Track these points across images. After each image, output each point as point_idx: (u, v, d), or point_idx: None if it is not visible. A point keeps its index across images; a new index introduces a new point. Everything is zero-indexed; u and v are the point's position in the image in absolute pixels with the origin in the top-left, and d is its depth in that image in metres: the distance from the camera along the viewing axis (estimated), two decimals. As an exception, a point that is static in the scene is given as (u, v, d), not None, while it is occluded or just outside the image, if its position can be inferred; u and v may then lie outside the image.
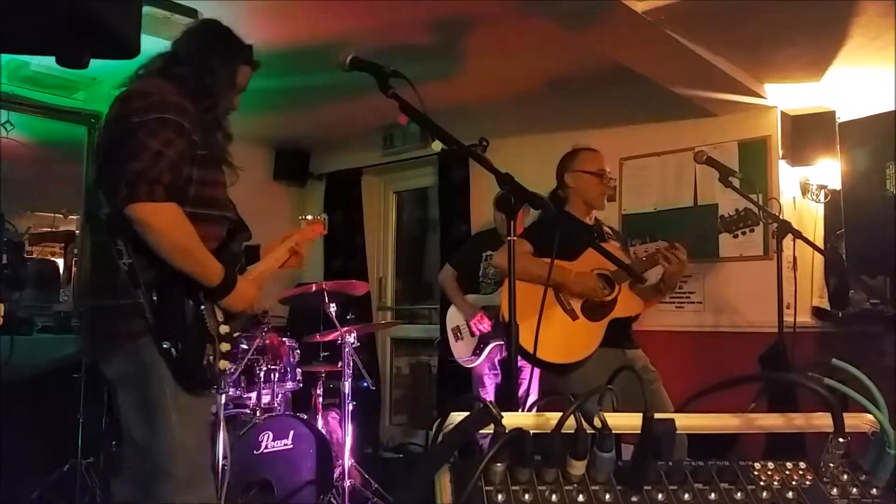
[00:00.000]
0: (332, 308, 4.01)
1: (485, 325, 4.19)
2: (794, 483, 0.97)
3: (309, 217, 2.66)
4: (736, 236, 3.11)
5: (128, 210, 1.84)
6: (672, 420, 0.98)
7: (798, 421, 1.05)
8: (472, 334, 4.26)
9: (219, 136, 2.13)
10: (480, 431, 0.94)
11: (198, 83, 2.08)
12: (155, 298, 1.91)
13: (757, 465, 0.99)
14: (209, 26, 2.28)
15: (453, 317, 4.40)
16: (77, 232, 5.11)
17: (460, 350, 4.33)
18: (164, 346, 1.91)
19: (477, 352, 4.26)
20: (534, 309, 2.82)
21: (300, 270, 5.82)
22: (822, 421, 1.00)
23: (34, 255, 4.96)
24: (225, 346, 2.04)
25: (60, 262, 5.10)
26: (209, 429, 2.11)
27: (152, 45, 3.59)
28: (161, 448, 1.96)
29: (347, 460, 3.86)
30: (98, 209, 2.02)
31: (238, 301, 2.07)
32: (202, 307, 2.00)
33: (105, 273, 1.99)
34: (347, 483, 3.80)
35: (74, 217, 5.13)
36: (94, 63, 1.59)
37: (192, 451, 2.00)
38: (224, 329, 2.05)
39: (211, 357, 1.99)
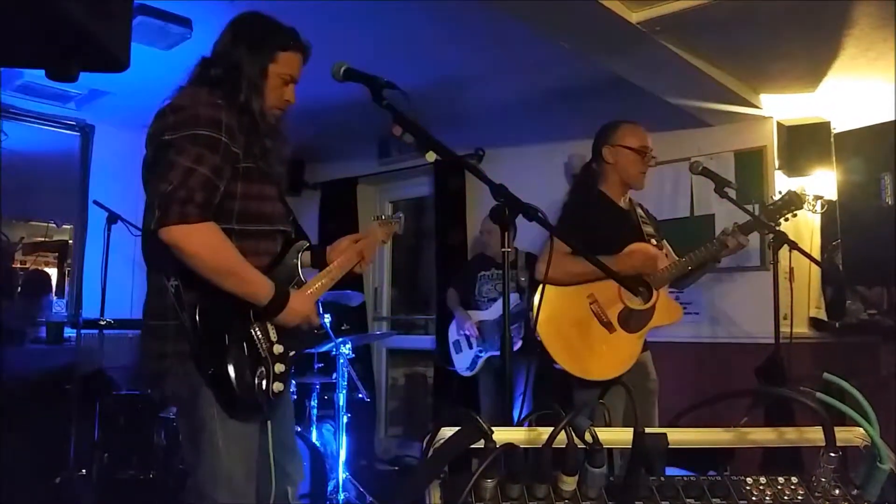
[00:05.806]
0: (327, 318, 4.00)
1: (467, 329, 4.52)
2: (785, 498, 0.97)
3: (383, 217, 2.42)
4: (779, 224, 2.92)
5: (161, 233, 1.75)
6: (664, 435, 0.97)
7: (790, 435, 1.05)
8: (470, 347, 4.50)
9: (265, 142, 2.00)
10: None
11: (228, 83, 1.94)
12: (198, 320, 1.82)
13: (749, 480, 0.99)
14: (239, 17, 2.06)
15: (454, 331, 4.66)
16: (71, 242, 5.10)
17: (459, 362, 4.59)
18: (210, 372, 1.81)
19: (472, 365, 4.50)
20: (570, 323, 2.78)
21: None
22: (815, 435, 1.00)
23: (28, 265, 4.93)
24: (280, 367, 1.91)
25: (54, 272, 5.07)
26: (258, 453, 1.97)
27: (148, 55, 3.66)
28: (206, 474, 1.87)
29: (342, 473, 3.84)
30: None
31: (292, 317, 1.93)
32: (251, 327, 1.88)
33: (156, 292, 1.92)
34: (342, 496, 3.78)
35: (68, 227, 5.11)
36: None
37: (238, 479, 1.88)
38: (278, 349, 1.92)
39: (263, 380, 1.87)
